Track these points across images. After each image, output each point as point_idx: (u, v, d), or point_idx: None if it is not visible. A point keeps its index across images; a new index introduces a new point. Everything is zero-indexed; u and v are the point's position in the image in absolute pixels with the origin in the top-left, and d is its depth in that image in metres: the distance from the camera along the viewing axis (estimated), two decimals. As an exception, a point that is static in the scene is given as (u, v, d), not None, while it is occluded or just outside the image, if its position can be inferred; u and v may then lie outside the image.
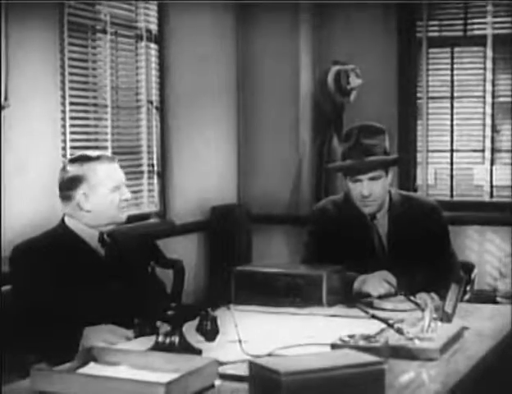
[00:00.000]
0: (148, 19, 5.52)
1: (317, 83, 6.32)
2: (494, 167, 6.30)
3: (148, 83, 5.52)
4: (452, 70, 6.38)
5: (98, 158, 3.01)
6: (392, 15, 6.33)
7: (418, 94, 6.43)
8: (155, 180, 5.63)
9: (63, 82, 4.72)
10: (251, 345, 2.49)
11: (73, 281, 2.87)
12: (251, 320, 2.94)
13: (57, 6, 4.65)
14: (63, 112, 4.73)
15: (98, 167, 2.98)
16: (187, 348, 2.45)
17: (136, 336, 2.72)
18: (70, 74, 4.79)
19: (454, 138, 6.40)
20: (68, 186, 2.98)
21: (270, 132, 6.39)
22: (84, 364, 2.32)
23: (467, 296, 3.48)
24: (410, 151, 6.38)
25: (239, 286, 3.26)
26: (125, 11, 5.35)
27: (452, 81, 6.38)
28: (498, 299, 5.84)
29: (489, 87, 6.25)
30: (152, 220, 5.60)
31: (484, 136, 6.31)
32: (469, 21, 6.33)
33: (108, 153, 4.70)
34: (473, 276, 3.74)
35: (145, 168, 5.55)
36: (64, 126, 4.74)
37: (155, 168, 5.61)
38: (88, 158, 3.00)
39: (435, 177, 6.52)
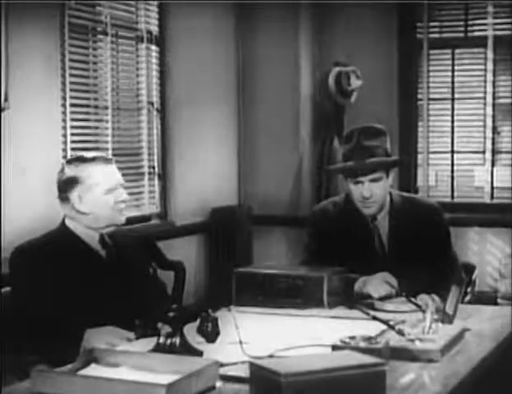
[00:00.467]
0: (149, 20, 5.52)
1: (317, 84, 6.32)
2: (495, 169, 6.31)
3: (148, 84, 5.52)
4: (453, 71, 6.38)
5: (93, 159, 2.99)
6: (393, 16, 6.34)
7: (419, 96, 6.43)
8: (156, 182, 5.63)
9: (64, 83, 4.73)
10: (252, 347, 2.49)
11: (74, 283, 2.86)
12: (252, 321, 2.93)
13: (57, 8, 4.66)
14: (64, 113, 4.74)
15: (93, 169, 2.96)
16: (188, 349, 2.45)
17: (137, 338, 2.71)
18: (71, 75, 4.80)
19: (455, 139, 6.41)
20: (64, 188, 2.97)
21: (270, 133, 6.38)
22: (85, 365, 2.32)
23: (468, 298, 3.48)
24: (411, 152, 6.39)
25: (239, 287, 3.26)
26: (126, 13, 5.35)
27: (453, 83, 6.38)
28: (499, 300, 5.84)
29: (490, 88, 6.25)
30: (152, 221, 5.61)
31: (485, 138, 6.31)
32: (470, 23, 6.33)
33: (109, 154, 4.71)
34: (473, 277, 3.73)
35: (146, 170, 5.55)
36: (64, 128, 4.74)
37: (156, 170, 5.62)
38: (83, 160, 2.98)
39: (435, 179, 6.52)
